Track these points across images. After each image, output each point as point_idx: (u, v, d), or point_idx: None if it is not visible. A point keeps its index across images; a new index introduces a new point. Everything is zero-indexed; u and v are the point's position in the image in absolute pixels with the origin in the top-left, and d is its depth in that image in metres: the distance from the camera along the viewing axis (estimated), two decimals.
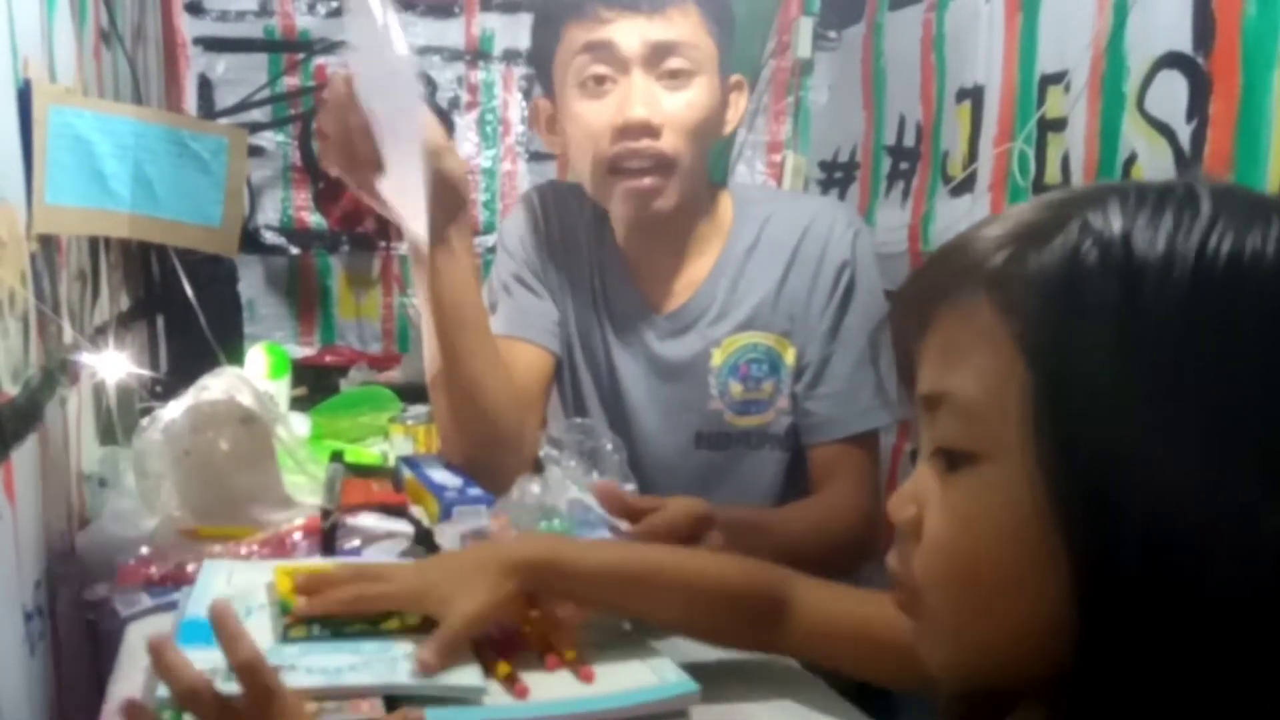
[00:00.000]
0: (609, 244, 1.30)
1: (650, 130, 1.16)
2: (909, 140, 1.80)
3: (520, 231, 1.32)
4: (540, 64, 1.27)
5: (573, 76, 1.20)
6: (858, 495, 1.20)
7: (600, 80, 1.18)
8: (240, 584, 0.84)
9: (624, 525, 0.95)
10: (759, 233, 1.26)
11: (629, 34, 1.16)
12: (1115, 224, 0.46)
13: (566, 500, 0.98)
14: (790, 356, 1.24)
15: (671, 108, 1.17)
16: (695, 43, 1.18)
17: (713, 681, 0.80)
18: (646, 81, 1.17)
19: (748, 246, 1.26)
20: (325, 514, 0.99)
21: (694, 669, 0.81)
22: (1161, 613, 0.42)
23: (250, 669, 0.62)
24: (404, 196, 1.01)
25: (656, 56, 1.17)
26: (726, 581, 0.81)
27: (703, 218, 1.27)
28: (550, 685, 0.76)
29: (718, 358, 1.25)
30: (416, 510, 1.07)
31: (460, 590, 0.76)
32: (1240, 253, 0.44)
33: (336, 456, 1.19)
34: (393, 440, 1.41)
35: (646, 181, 1.17)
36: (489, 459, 1.11)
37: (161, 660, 0.62)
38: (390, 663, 0.73)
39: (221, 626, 0.63)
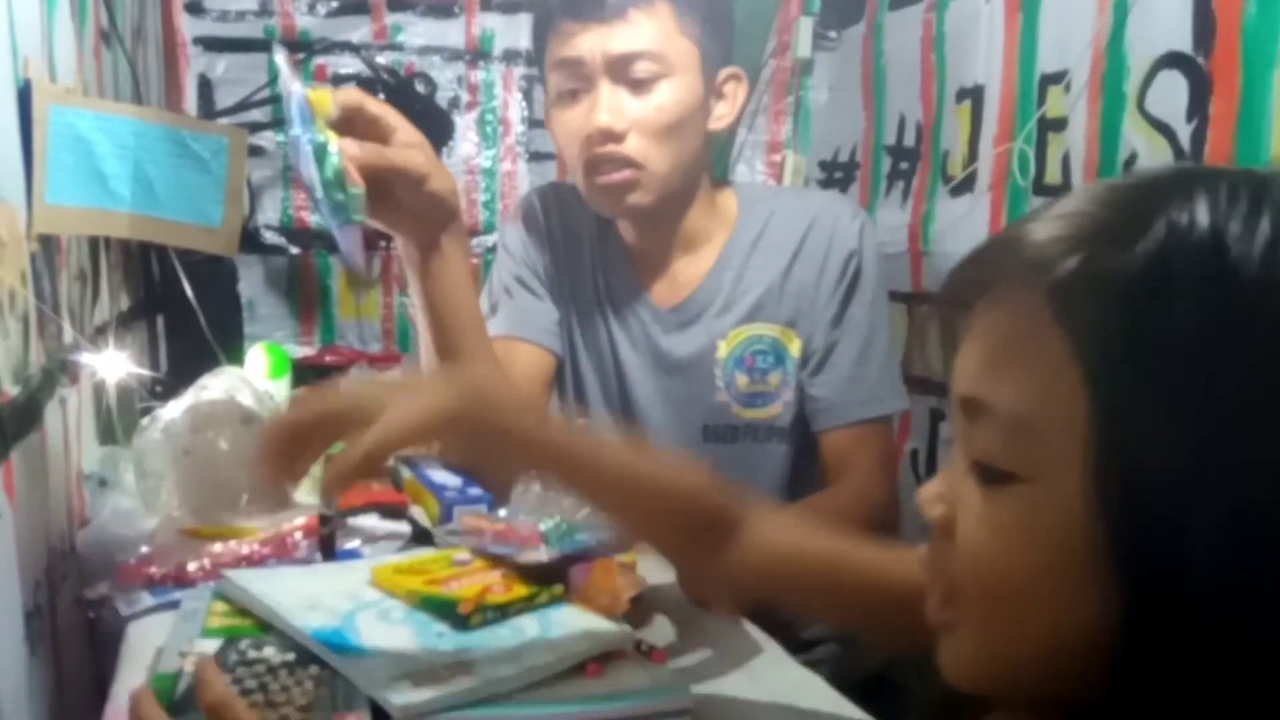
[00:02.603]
0: (611, 242, 1.31)
1: (614, 136, 1.18)
2: (909, 140, 1.80)
3: (521, 233, 1.34)
4: (540, 72, 1.29)
5: (552, 87, 1.24)
6: (872, 484, 1.21)
7: (573, 92, 1.21)
8: (304, 591, 0.83)
9: None
10: (764, 226, 1.27)
11: (592, 45, 1.18)
12: (1204, 227, 0.41)
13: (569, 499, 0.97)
14: (795, 348, 1.25)
15: (637, 113, 1.19)
16: (661, 47, 1.18)
17: (713, 681, 0.80)
18: (613, 89, 1.19)
19: (752, 240, 1.27)
20: (324, 520, 0.99)
21: (695, 669, 0.80)
22: (1216, 644, 0.40)
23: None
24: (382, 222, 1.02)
25: (620, 64, 1.18)
26: (675, 488, 0.76)
27: (704, 213, 1.28)
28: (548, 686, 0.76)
29: (723, 350, 1.26)
30: (416, 510, 1.07)
31: (394, 401, 0.67)
32: None
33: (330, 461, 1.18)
34: None
35: (617, 176, 1.20)
36: None
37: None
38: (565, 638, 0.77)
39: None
